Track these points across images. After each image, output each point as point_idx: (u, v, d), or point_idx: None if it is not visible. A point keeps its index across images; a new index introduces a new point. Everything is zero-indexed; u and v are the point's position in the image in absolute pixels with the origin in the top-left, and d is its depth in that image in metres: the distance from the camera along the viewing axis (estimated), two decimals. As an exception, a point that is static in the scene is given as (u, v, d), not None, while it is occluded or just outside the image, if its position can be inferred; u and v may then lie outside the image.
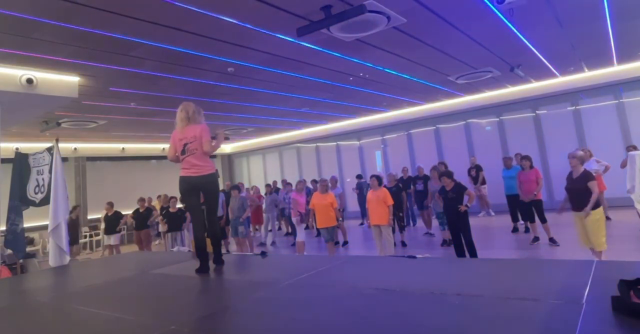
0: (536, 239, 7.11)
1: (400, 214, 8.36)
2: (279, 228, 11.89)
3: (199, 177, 3.51)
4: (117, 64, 6.26)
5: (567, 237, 5.73)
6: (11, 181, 5.55)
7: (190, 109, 3.63)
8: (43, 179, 5.32)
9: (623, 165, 6.72)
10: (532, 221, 7.25)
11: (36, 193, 5.35)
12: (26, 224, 5.84)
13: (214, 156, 18.07)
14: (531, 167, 7.28)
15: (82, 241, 11.31)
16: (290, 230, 11.29)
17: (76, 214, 9.65)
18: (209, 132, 3.54)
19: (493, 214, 10.94)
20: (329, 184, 7.84)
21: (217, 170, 3.73)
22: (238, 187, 8.94)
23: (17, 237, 5.58)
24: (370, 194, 6.80)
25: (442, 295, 2.32)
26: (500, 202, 9.41)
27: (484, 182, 10.80)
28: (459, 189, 6.15)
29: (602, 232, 5.17)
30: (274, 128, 14.31)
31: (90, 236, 12.76)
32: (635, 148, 7.65)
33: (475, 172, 10.86)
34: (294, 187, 9.29)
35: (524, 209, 7.45)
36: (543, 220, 6.96)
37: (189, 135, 3.53)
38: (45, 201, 5.19)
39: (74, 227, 9.62)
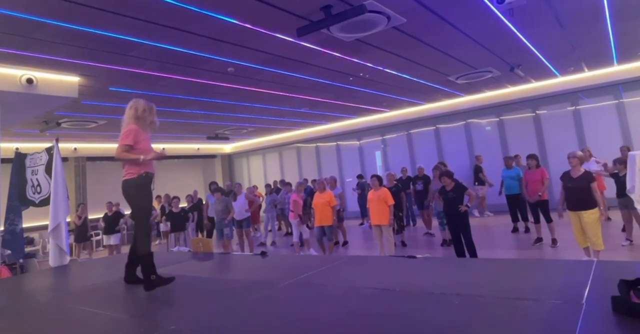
0: (539, 240, 7.06)
1: (400, 215, 8.36)
2: (279, 228, 11.89)
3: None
4: (117, 64, 6.26)
5: (568, 237, 5.74)
6: (10, 181, 5.55)
7: (127, 110, 3.32)
8: (37, 179, 5.31)
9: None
10: (538, 222, 7.09)
11: (33, 193, 5.35)
12: (26, 224, 5.84)
13: (214, 156, 18.12)
14: (537, 166, 7.05)
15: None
16: (290, 230, 11.30)
17: (82, 212, 9.72)
18: (125, 135, 3.17)
19: (477, 215, 10.96)
20: (326, 184, 7.87)
21: (138, 176, 3.16)
22: (221, 190, 8.92)
23: (15, 238, 5.57)
24: (371, 194, 6.80)
25: (442, 295, 2.32)
26: (500, 202, 9.41)
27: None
28: (460, 189, 6.15)
29: (600, 232, 5.21)
30: (274, 128, 14.31)
31: (90, 236, 12.76)
32: (628, 149, 7.64)
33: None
34: (293, 187, 9.30)
35: (532, 209, 7.21)
36: (548, 220, 6.89)
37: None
38: (46, 202, 5.18)
39: (84, 225, 9.71)
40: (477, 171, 10.77)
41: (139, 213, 3.24)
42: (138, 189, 3.17)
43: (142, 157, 3.12)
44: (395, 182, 8.43)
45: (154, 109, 3.39)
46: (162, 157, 3.33)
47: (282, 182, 11.61)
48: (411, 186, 10.00)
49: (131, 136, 3.15)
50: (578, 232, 5.38)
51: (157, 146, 14.33)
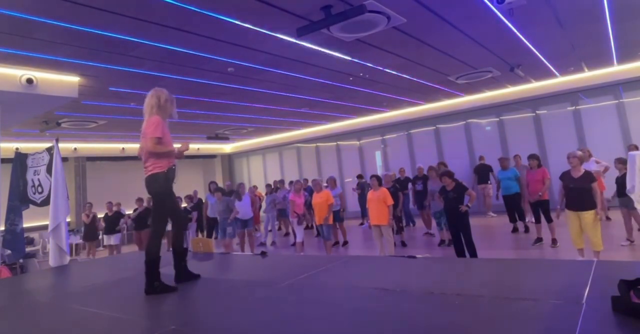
0: (539, 240, 7.06)
1: (399, 215, 8.36)
2: (279, 228, 11.90)
3: (145, 180, 3.06)
4: (117, 64, 6.26)
5: (568, 237, 5.74)
6: (10, 181, 5.55)
7: (148, 98, 3.18)
8: (39, 180, 5.31)
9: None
10: (538, 222, 7.09)
11: (34, 193, 5.35)
12: (26, 224, 5.84)
13: (214, 156, 18.10)
14: (539, 166, 7.07)
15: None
16: (288, 230, 11.30)
17: (89, 211, 9.74)
18: (154, 127, 3.02)
19: (494, 215, 10.95)
20: (324, 183, 7.88)
21: (168, 169, 3.05)
22: (222, 190, 8.93)
23: (16, 238, 5.58)
24: (370, 194, 6.81)
25: (442, 295, 2.31)
26: (501, 202, 9.40)
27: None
28: (460, 189, 6.14)
29: (600, 232, 5.21)
30: (274, 128, 14.31)
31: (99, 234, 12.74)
32: (636, 148, 7.62)
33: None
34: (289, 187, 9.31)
35: (533, 209, 7.21)
36: (549, 220, 6.89)
37: (142, 129, 3.13)
38: (47, 201, 5.19)
39: (93, 223, 9.73)
40: (488, 170, 10.75)
41: (162, 210, 3.11)
42: (168, 183, 3.05)
43: (181, 145, 3.08)
44: (392, 182, 8.44)
45: (174, 101, 3.27)
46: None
47: (282, 182, 11.60)
48: (410, 186, 10.01)
49: (160, 128, 3.02)
50: (576, 233, 5.37)
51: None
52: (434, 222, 8.82)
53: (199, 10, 4.71)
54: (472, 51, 7.27)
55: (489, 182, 10.71)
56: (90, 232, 9.80)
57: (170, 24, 5.05)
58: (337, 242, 8.73)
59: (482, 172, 10.85)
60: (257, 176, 17.60)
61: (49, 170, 5.18)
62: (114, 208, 9.68)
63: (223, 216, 8.34)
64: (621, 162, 6.51)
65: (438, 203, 7.07)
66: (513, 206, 8.19)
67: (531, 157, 7.18)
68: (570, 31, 6.72)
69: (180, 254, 3.24)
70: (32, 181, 5.39)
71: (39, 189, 5.30)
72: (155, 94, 3.18)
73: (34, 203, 5.38)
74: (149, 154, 3.04)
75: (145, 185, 3.06)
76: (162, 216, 3.16)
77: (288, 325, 2.11)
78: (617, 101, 10.44)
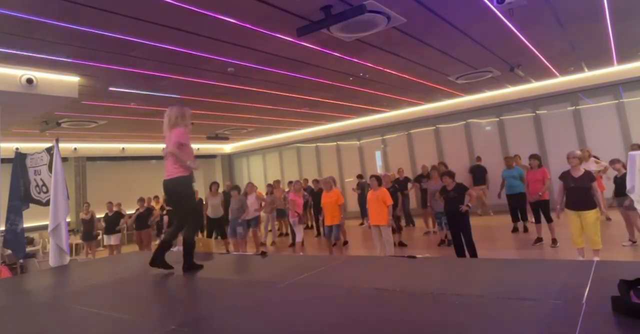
0: (539, 240, 7.07)
1: (398, 215, 8.36)
2: (278, 228, 11.90)
3: (167, 181, 3.48)
4: (117, 64, 6.26)
5: (568, 237, 5.75)
6: (11, 181, 5.54)
7: (172, 114, 3.54)
8: (41, 179, 5.31)
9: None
10: (538, 222, 7.10)
11: (39, 193, 5.34)
12: (26, 224, 5.83)
13: (214, 156, 18.11)
14: (539, 166, 7.10)
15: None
16: (285, 231, 11.28)
17: (87, 210, 9.74)
18: (180, 135, 3.45)
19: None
20: (332, 183, 7.85)
21: (191, 174, 3.53)
22: (238, 188, 8.94)
23: (16, 238, 5.57)
24: (370, 195, 6.81)
25: (442, 295, 2.31)
26: (500, 202, 9.40)
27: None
28: (461, 188, 6.15)
29: (599, 231, 5.24)
30: (274, 128, 14.31)
31: (97, 234, 12.73)
32: (639, 147, 7.62)
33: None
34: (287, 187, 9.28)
35: (533, 209, 7.23)
36: (549, 220, 6.90)
37: (166, 139, 3.54)
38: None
39: (91, 222, 9.75)
40: (483, 171, 10.75)
41: (194, 208, 3.84)
42: (185, 185, 3.53)
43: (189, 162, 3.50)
44: (392, 183, 8.44)
45: (186, 114, 3.57)
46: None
47: (277, 182, 11.57)
48: (409, 186, 10.00)
49: (183, 136, 3.47)
50: (577, 233, 5.39)
51: (156, 147, 14.40)
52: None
53: (199, 10, 4.71)
54: (472, 51, 7.27)
55: (486, 184, 10.71)
56: (88, 232, 9.79)
57: (170, 24, 5.05)
58: (346, 242, 8.76)
59: (478, 173, 10.85)
60: (257, 176, 17.59)
61: (50, 170, 5.17)
62: (114, 208, 9.67)
63: (236, 215, 8.29)
64: (617, 163, 6.53)
65: (440, 203, 7.07)
66: (517, 206, 8.19)
67: (532, 157, 7.19)
68: (570, 31, 6.72)
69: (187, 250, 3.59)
70: (35, 181, 5.38)
71: (44, 189, 5.29)
72: (167, 114, 3.57)
73: (40, 203, 5.36)
74: (174, 159, 3.44)
75: (169, 186, 3.49)
76: (195, 209, 3.94)
77: (288, 325, 2.11)
78: (617, 101, 10.44)
